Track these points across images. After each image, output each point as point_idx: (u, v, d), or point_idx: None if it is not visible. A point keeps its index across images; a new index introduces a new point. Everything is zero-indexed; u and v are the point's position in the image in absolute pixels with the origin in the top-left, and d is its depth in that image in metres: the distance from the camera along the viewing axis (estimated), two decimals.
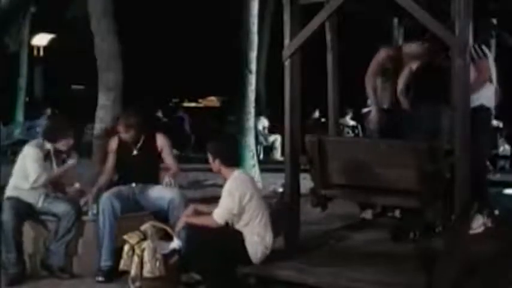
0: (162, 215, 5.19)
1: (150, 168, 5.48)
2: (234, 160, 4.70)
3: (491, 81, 5.48)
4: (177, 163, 5.63)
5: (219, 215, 4.39)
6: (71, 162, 5.31)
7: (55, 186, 5.33)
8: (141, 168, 5.39)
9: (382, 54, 6.01)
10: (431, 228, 5.25)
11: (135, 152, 5.43)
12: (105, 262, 4.94)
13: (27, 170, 5.11)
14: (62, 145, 5.26)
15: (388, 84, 5.98)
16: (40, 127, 13.78)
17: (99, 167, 6.00)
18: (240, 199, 4.37)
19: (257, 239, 4.40)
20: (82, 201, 5.27)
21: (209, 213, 4.46)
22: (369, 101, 6.08)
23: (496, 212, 5.70)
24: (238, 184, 4.44)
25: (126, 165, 5.44)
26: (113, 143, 5.57)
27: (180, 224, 4.58)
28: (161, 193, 5.28)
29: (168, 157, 5.53)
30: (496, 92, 5.60)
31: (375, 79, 6.00)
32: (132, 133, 5.41)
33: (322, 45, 6.21)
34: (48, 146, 5.24)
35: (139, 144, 5.45)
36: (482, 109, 5.34)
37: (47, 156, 5.21)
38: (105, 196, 5.10)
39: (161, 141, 5.54)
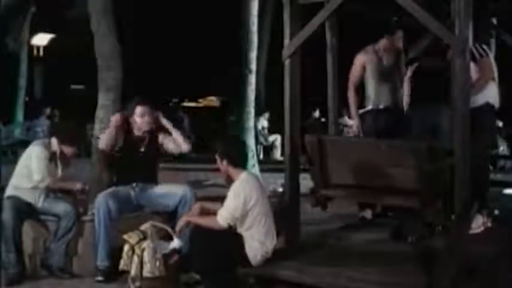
0: (166, 213, 5.19)
1: (152, 168, 5.47)
2: (242, 161, 4.61)
3: (494, 79, 5.47)
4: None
5: (222, 217, 4.32)
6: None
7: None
8: (144, 166, 5.37)
9: (357, 62, 6.02)
10: (431, 228, 5.25)
11: (142, 149, 5.39)
12: (101, 262, 4.92)
13: (32, 168, 5.08)
14: (68, 148, 5.23)
15: (385, 83, 5.98)
16: (40, 127, 13.81)
17: (99, 167, 5.99)
18: (244, 201, 4.30)
19: (257, 244, 4.36)
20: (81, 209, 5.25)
21: (214, 213, 4.41)
22: (366, 102, 6.07)
23: (496, 212, 5.70)
24: (244, 186, 4.37)
25: (130, 163, 5.34)
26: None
27: (181, 223, 4.55)
28: (171, 190, 5.28)
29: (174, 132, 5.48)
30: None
31: (355, 93, 6.01)
32: (150, 121, 5.34)
33: (322, 45, 6.21)
34: (55, 147, 5.21)
35: (146, 141, 5.40)
36: (488, 107, 5.32)
37: (52, 157, 5.18)
38: (101, 196, 5.05)
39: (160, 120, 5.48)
